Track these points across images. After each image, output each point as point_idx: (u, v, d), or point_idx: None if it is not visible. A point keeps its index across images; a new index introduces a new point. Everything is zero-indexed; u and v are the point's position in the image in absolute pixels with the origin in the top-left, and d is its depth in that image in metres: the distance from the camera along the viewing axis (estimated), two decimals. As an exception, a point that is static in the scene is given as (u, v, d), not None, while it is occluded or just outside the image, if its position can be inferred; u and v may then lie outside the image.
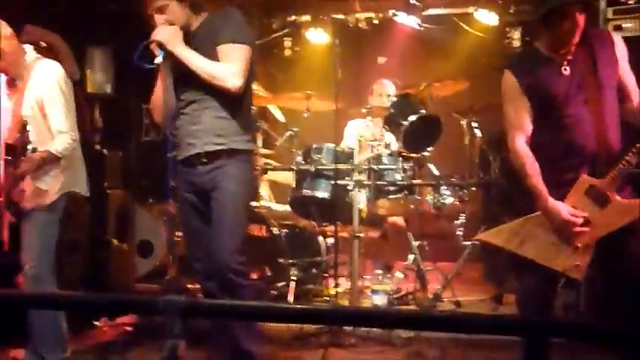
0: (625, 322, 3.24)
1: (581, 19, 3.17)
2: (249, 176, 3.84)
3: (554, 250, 3.21)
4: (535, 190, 3.23)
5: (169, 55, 3.65)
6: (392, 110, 5.65)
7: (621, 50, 3.31)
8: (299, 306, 3.05)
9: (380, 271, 5.60)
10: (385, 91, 6.24)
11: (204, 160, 3.72)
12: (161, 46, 3.63)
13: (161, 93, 3.84)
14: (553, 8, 3.13)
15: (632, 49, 4.43)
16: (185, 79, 3.74)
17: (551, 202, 3.19)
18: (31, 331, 4.07)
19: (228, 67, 3.62)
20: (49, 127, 4.11)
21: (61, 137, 4.08)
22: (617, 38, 3.35)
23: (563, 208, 3.17)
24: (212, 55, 3.65)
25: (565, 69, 3.26)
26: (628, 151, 3.13)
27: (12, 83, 4.23)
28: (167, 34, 3.65)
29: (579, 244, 3.17)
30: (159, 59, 3.65)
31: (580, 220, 3.16)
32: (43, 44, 5.78)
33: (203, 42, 3.71)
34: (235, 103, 3.72)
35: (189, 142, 3.77)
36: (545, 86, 3.27)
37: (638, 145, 3.10)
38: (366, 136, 5.92)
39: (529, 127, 3.31)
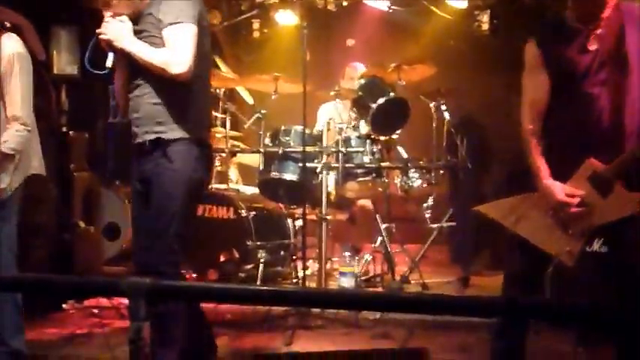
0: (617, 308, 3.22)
1: None
2: (188, 170, 3.55)
3: (547, 232, 3.13)
4: (534, 167, 3.15)
5: (118, 52, 3.51)
6: (360, 93, 5.65)
7: None
8: (264, 287, 3.04)
9: (348, 254, 5.62)
10: (357, 75, 6.24)
11: (147, 149, 3.56)
12: (110, 44, 3.49)
13: (121, 88, 3.73)
14: None
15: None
16: (132, 64, 3.59)
17: (548, 181, 3.10)
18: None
19: (170, 55, 3.44)
20: (4, 107, 3.98)
21: (16, 128, 3.88)
22: None
23: (559, 188, 3.07)
24: (162, 39, 3.50)
25: (591, 44, 3.09)
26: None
27: None
28: (114, 32, 3.48)
29: (573, 230, 3.09)
30: (109, 62, 3.50)
31: (575, 201, 3.06)
32: (8, 24, 5.70)
33: (149, 25, 3.53)
34: (175, 87, 3.51)
35: (134, 130, 3.63)
36: (566, 60, 3.12)
37: None
38: (336, 119, 5.91)
39: (543, 103, 3.18)
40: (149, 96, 3.53)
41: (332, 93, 6.15)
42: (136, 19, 3.55)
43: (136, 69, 3.55)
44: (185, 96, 3.55)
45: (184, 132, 3.52)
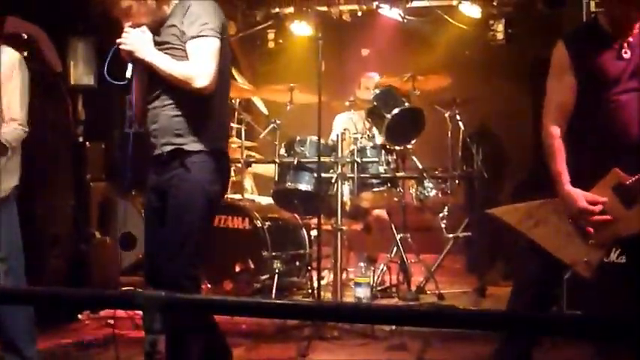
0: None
1: None
2: (206, 181, 3.53)
3: (565, 240, 3.06)
4: (555, 173, 3.07)
5: (139, 63, 3.50)
6: (375, 103, 5.64)
7: None
8: (277, 301, 3.03)
9: (363, 264, 5.59)
10: (373, 84, 6.24)
11: (165, 160, 3.55)
12: (130, 55, 3.48)
13: (139, 99, 3.68)
14: None
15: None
16: (152, 75, 3.57)
17: (569, 188, 3.03)
18: (5, 327, 4.02)
19: (193, 68, 3.43)
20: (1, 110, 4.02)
21: (14, 126, 3.93)
22: None
23: (580, 195, 3.01)
24: (184, 51, 3.49)
25: (626, 52, 3.08)
26: None
27: None
28: (134, 43, 3.48)
29: (594, 241, 3.03)
30: (128, 73, 3.50)
31: (598, 209, 3.00)
32: (25, 36, 5.74)
33: (172, 37, 3.53)
34: (195, 99, 3.50)
35: (152, 142, 3.62)
36: (599, 66, 3.09)
37: None
38: (351, 130, 5.91)
39: (569, 106, 3.13)
40: (169, 107, 3.52)
41: (347, 103, 6.16)
42: (156, 29, 3.54)
43: (155, 80, 3.53)
44: (204, 108, 3.54)
45: (203, 144, 3.51)
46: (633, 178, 3.02)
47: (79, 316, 5.34)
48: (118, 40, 3.50)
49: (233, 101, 6.12)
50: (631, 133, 3.07)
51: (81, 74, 6.88)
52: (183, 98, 3.49)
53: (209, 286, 5.70)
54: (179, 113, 3.51)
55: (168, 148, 3.51)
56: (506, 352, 3.28)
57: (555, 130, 3.12)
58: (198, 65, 3.41)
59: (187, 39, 3.44)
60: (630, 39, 3.09)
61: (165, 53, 3.48)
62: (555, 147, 3.10)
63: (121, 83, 3.52)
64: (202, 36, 3.43)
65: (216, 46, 3.45)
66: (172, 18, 3.53)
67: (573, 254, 3.05)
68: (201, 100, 3.49)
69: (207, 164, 3.53)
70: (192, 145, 3.50)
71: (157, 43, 3.51)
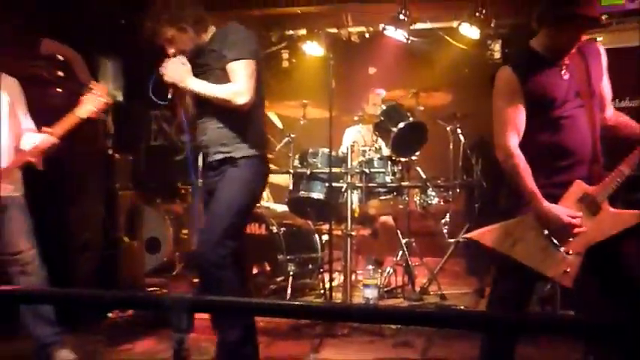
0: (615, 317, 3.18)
1: (584, 33, 3.10)
2: (249, 177, 3.74)
3: (544, 255, 3.02)
4: (530, 192, 3.01)
5: (180, 90, 3.72)
6: (381, 118, 5.66)
7: (605, 62, 3.22)
8: (294, 302, 3.05)
9: (371, 267, 5.59)
10: (380, 100, 6.27)
11: (215, 166, 3.77)
12: (172, 84, 3.69)
13: (181, 115, 3.88)
14: (567, 16, 3.02)
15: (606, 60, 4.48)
16: (195, 95, 3.78)
17: (548, 205, 3.00)
18: (28, 322, 4.09)
19: (233, 88, 3.61)
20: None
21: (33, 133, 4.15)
22: (603, 50, 3.24)
23: (562, 212, 2.99)
24: (223, 71, 3.68)
25: (565, 73, 3.11)
26: (623, 163, 3.01)
27: None
28: (175, 73, 3.67)
29: (570, 251, 3.01)
30: (170, 94, 3.72)
31: (578, 222, 2.99)
32: (60, 57, 5.79)
33: (213, 60, 3.72)
34: (237, 114, 3.68)
35: (204, 151, 3.86)
36: (546, 87, 3.09)
37: (633, 155, 3.01)
38: (360, 142, 5.94)
39: (523, 126, 3.09)
40: (215, 121, 3.74)
41: (356, 118, 6.18)
42: (197, 53, 3.75)
43: (201, 99, 3.74)
44: (245, 120, 3.73)
45: (246, 151, 3.72)
46: (595, 188, 3.04)
47: (109, 314, 5.36)
48: (160, 69, 3.69)
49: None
50: (585, 146, 3.08)
51: (110, 91, 6.93)
52: (226, 113, 3.69)
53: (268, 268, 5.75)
54: (223, 126, 3.73)
55: (219, 156, 3.74)
56: (491, 348, 3.27)
57: (517, 150, 3.07)
58: (238, 85, 3.61)
59: (228, 61, 3.63)
60: (567, 62, 3.12)
61: (207, 74, 3.69)
62: (521, 166, 3.04)
63: (164, 103, 3.72)
64: (241, 59, 3.63)
65: (252, 67, 3.66)
66: (212, 43, 3.76)
67: (553, 267, 3.02)
68: (242, 114, 3.68)
69: (248, 166, 3.73)
70: (237, 152, 3.71)
71: (198, 65, 3.72)
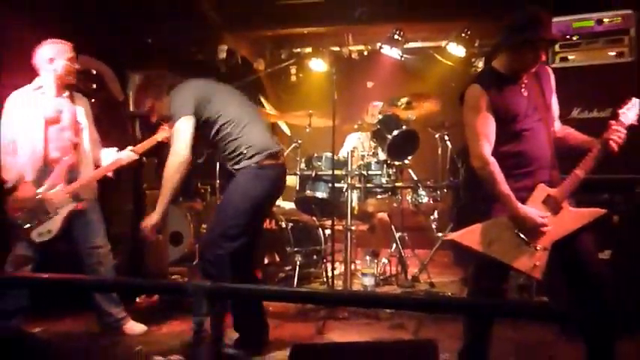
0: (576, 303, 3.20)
1: (543, 53, 3.14)
2: (245, 184, 3.72)
3: (517, 252, 3.04)
4: (505, 196, 3.03)
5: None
6: (378, 126, 5.67)
7: (554, 81, 3.28)
8: (301, 289, 3.07)
9: (368, 257, 5.61)
10: (377, 111, 6.28)
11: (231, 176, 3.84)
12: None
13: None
14: (527, 40, 3.06)
15: (576, 75, 4.50)
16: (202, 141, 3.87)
17: (524, 207, 3.04)
18: (102, 303, 4.37)
19: (171, 155, 3.67)
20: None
21: (114, 150, 4.44)
22: (551, 71, 3.30)
23: (535, 213, 3.03)
24: None
25: (524, 91, 3.15)
26: (578, 168, 3.04)
27: None
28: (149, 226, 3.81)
29: (538, 247, 3.04)
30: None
31: (548, 222, 3.03)
32: (94, 71, 5.81)
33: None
34: (226, 147, 3.76)
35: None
36: (509, 103, 3.12)
37: (586, 162, 3.04)
38: (359, 148, 5.95)
39: (494, 136, 3.11)
40: (219, 150, 3.82)
41: (355, 126, 6.18)
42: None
43: (204, 143, 3.87)
44: (234, 144, 3.76)
45: (243, 163, 3.74)
46: (556, 190, 3.07)
47: (137, 299, 5.38)
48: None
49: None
50: (544, 154, 3.13)
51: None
52: (224, 142, 3.76)
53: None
54: (225, 150, 3.78)
55: (230, 170, 3.81)
56: (472, 328, 3.29)
57: (491, 158, 3.09)
58: (173, 150, 3.67)
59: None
60: (525, 80, 3.17)
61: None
62: (496, 172, 3.06)
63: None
64: (172, 119, 3.68)
65: (182, 121, 3.65)
66: None
67: (525, 262, 3.04)
68: (227, 145, 3.76)
69: (244, 175, 3.74)
70: (236, 166, 3.77)
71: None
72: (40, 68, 4.16)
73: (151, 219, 3.79)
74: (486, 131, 3.11)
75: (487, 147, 3.10)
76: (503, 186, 3.05)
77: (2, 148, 4.06)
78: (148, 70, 6.89)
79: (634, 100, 3.15)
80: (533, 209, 3.05)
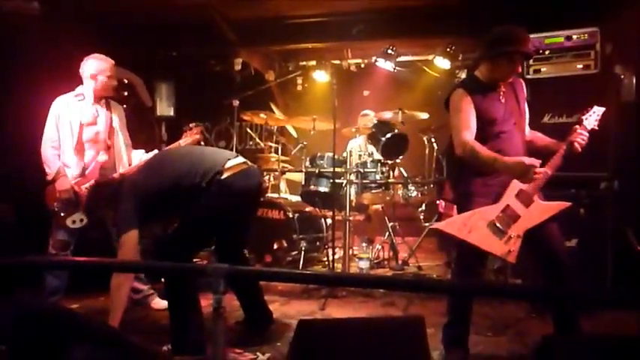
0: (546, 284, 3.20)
1: (519, 64, 3.14)
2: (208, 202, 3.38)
3: (493, 239, 3.04)
4: (492, 158, 3.00)
5: None
6: (373, 129, 5.66)
7: (525, 92, 3.30)
8: (306, 272, 3.06)
9: (364, 244, 5.61)
10: (368, 119, 6.30)
11: None
12: None
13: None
14: (505, 52, 3.07)
15: (547, 85, 4.49)
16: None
17: (510, 158, 3.00)
18: None
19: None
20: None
21: (143, 151, 4.35)
22: (524, 83, 3.32)
23: (522, 158, 3.00)
24: None
25: (502, 98, 3.16)
26: (546, 166, 3.03)
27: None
28: None
29: (512, 234, 3.04)
30: None
31: (537, 162, 2.97)
32: (125, 80, 5.81)
33: None
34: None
35: None
36: (489, 108, 3.12)
37: (554, 161, 3.03)
38: (355, 150, 5.96)
39: (475, 127, 3.09)
40: None
41: (353, 129, 6.17)
42: None
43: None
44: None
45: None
46: (527, 185, 3.05)
47: (162, 279, 5.37)
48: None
49: (272, 127, 6.16)
50: (518, 154, 3.11)
51: (164, 108, 6.96)
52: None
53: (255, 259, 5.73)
54: None
55: None
56: (454, 304, 3.28)
57: (472, 140, 3.05)
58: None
59: None
60: (503, 89, 3.18)
61: None
62: (476, 146, 3.02)
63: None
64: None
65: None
66: None
67: (501, 248, 3.05)
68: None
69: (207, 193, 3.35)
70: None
71: None
72: (83, 78, 4.18)
73: None
74: (468, 124, 3.09)
75: (468, 133, 3.07)
76: (487, 153, 3.01)
77: (48, 143, 4.08)
78: (173, 80, 6.90)
79: (595, 107, 3.14)
80: (519, 158, 3.02)
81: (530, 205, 3.06)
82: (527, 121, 3.32)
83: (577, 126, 3.09)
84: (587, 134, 3.07)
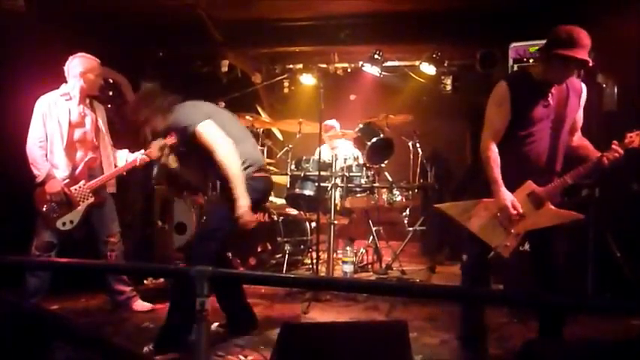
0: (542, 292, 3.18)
1: (574, 70, 3.04)
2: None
3: (492, 230, 3.07)
4: (494, 178, 3.03)
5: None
6: (359, 134, 5.67)
7: (584, 98, 3.18)
8: (290, 275, 3.06)
9: (348, 248, 5.61)
10: (334, 131, 6.26)
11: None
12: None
13: None
14: (561, 56, 2.93)
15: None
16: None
17: (504, 190, 3.03)
18: (113, 283, 4.34)
19: (222, 157, 3.40)
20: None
21: (128, 152, 4.40)
22: (585, 89, 3.18)
23: (509, 197, 3.02)
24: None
25: (549, 100, 3.06)
26: (567, 174, 3.04)
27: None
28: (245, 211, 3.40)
29: (513, 231, 3.06)
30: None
31: (515, 211, 3.02)
32: (111, 80, 5.76)
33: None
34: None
35: None
36: (528, 108, 3.03)
37: (577, 171, 3.03)
38: (341, 153, 5.96)
39: (502, 131, 3.07)
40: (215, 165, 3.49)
41: (340, 133, 6.17)
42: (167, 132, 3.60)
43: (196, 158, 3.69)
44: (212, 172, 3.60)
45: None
46: (542, 189, 3.06)
47: (145, 281, 5.34)
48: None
49: (258, 130, 6.14)
50: (541, 160, 3.09)
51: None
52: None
53: (238, 261, 5.70)
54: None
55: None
56: (466, 318, 3.28)
57: (493, 146, 3.06)
58: (220, 152, 3.40)
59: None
60: (553, 91, 3.08)
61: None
62: (492, 158, 3.04)
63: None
64: (190, 128, 3.44)
65: (205, 126, 3.40)
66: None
67: (497, 240, 3.07)
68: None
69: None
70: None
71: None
72: (68, 76, 4.14)
73: (242, 206, 3.35)
74: (497, 125, 3.08)
75: (492, 137, 3.07)
76: (495, 170, 3.04)
77: (35, 143, 4.02)
78: (159, 80, 6.86)
79: None
80: (510, 195, 3.04)
81: (540, 208, 3.06)
82: (578, 126, 3.23)
83: (615, 141, 3.04)
84: (622, 151, 3.01)
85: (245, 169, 3.49)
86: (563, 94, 3.10)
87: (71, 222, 4.07)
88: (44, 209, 4.03)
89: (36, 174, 4.02)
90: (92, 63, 4.15)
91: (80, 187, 4.11)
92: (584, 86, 3.20)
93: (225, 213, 3.45)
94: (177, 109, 3.50)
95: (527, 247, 3.44)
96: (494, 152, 3.05)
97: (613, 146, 3.03)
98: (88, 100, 4.23)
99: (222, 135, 3.39)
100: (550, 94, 3.07)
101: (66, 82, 4.16)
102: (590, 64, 2.94)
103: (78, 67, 4.11)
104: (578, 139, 3.28)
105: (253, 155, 3.64)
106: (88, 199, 4.13)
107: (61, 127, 4.07)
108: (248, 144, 3.68)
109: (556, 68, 2.99)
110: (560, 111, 3.09)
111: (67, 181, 4.08)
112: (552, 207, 3.08)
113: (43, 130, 4.04)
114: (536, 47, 4.57)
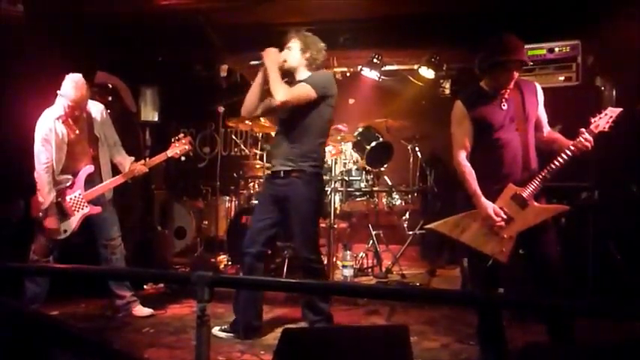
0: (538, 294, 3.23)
1: (516, 72, 3.14)
2: (313, 193, 3.75)
3: (485, 239, 3.12)
4: (472, 191, 3.13)
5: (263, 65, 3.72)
6: (358, 137, 5.68)
7: (541, 95, 3.28)
8: (292, 280, 3.06)
9: (348, 252, 5.61)
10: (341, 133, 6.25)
11: (281, 176, 3.76)
12: (261, 57, 3.72)
13: (252, 90, 3.87)
14: (498, 62, 3.10)
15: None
16: (280, 115, 3.82)
17: (484, 200, 3.11)
18: (115, 288, 4.31)
19: (284, 89, 3.61)
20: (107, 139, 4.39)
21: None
22: (539, 87, 3.30)
23: (490, 207, 3.09)
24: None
25: (503, 105, 3.17)
26: (544, 170, 3.08)
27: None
28: (269, 53, 3.71)
29: (505, 235, 3.10)
30: (254, 63, 3.78)
31: (499, 218, 3.08)
32: (110, 85, 5.77)
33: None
34: (304, 137, 3.71)
35: (273, 162, 3.87)
36: (487, 116, 3.17)
37: (552, 165, 3.06)
38: (341, 157, 5.96)
39: (469, 145, 3.20)
40: (288, 140, 3.75)
41: (339, 137, 6.18)
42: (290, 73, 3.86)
43: (281, 120, 3.83)
44: (311, 143, 3.74)
45: (309, 168, 3.73)
46: (523, 189, 3.10)
47: (145, 286, 5.33)
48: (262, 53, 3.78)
49: (258, 134, 6.14)
50: (516, 162, 3.16)
51: (148, 113, 6.90)
52: (297, 135, 3.71)
53: (237, 266, 5.68)
54: (293, 145, 3.72)
55: (285, 168, 3.73)
56: (483, 325, 3.28)
57: (464, 161, 3.20)
58: (287, 90, 3.65)
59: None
60: (506, 96, 3.19)
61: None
62: (467, 173, 3.17)
63: (254, 63, 3.81)
64: (303, 82, 3.75)
65: (305, 90, 3.71)
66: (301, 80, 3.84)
67: (493, 247, 3.12)
68: (308, 139, 3.71)
69: (312, 183, 3.74)
70: (301, 166, 3.71)
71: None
72: (59, 95, 4.13)
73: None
74: (463, 140, 3.21)
75: (463, 154, 3.21)
76: (472, 183, 3.14)
77: (42, 170, 4.06)
78: (157, 85, 6.86)
79: (608, 109, 3.14)
80: (492, 205, 3.11)
81: (526, 207, 3.11)
82: (544, 122, 3.31)
83: (582, 129, 3.10)
84: (591, 138, 3.06)
85: (319, 165, 3.80)
86: (517, 96, 3.22)
87: (65, 231, 4.14)
88: (39, 216, 4.10)
89: (40, 200, 4.09)
90: (78, 84, 4.06)
91: (76, 196, 4.16)
92: (537, 84, 3.33)
93: (313, 215, 3.83)
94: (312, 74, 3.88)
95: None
96: (467, 166, 3.19)
97: (581, 135, 3.08)
98: (83, 110, 4.22)
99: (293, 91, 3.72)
100: (504, 99, 3.20)
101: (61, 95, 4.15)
102: (528, 62, 3.15)
103: (65, 87, 4.06)
104: (548, 134, 3.34)
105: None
106: (82, 209, 4.16)
107: (57, 143, 4.10)
108: None
109: (499, 75, 3.15)
110: (519, 112, 3.20)
111: (65, 189, 4.15)
112: (537, 204, 3.13)
113: (46, 153, 4.08)
114: (536, 51, 4.59)
